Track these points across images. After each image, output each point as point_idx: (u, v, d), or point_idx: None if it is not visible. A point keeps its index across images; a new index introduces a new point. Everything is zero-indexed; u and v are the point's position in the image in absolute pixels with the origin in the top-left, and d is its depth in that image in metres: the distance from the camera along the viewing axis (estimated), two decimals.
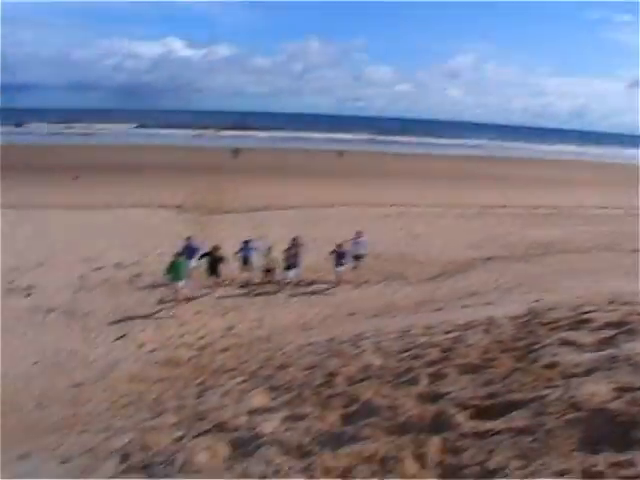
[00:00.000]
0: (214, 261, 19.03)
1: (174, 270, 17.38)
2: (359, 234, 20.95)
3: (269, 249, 20.17)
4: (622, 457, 3.16)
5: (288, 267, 19.63)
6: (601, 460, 3.14)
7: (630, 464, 3.05)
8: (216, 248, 19.37)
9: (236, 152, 65.52)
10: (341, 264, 19.70)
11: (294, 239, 20.59)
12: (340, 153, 72.69)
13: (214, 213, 31.03)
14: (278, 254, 20.01)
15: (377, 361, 8.11)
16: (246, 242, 20.20)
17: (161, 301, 17.66)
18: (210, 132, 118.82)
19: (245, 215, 30.65)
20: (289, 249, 19.97)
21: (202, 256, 19.19)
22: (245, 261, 19.96)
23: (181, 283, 17.50)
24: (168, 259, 20.83)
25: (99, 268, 20.27)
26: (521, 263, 21.88)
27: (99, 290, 18.23)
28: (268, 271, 20.15)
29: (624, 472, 3.00)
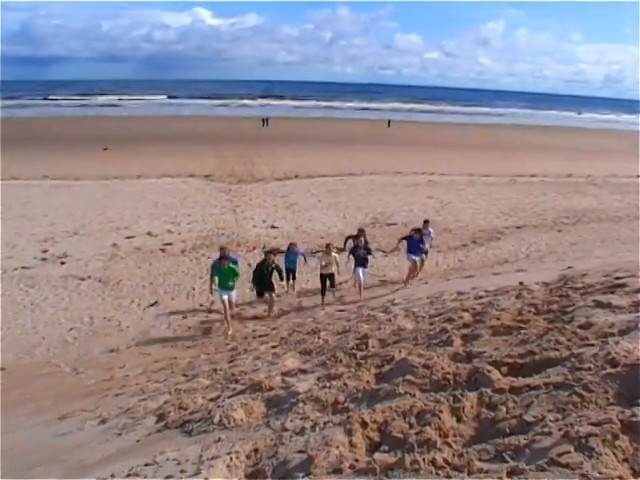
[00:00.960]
0: (266, 274, 14.52)
1: (228, 279, 13.78)
2: (426, 224, 17.32)
3: (328, 248, 15.37)
4: None
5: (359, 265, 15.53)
6: None
7: None
8: (270, 253, 15.18)
9: (265, 121, 65.67)
10: (417, 251, 15.89)
11: (360, 231, 16.50)
12: (388, 122, 72.77)
13: (243, 182, 31.08)
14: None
15: (409, 325, 8.13)
16: (290, 245, 16.15)
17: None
18: (239, 101, 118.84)
19: (274, 183, 30.71)
20: (357, 246, 15.75)
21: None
22: (289, 273, 15.96)
23: (232, 294, 13.94)
24: (199, 227, 21.05)
25: (131, 237, 20.45)
26: (553, 231, 21.66)
27: (131, 258, 18.41)
28: (326, 278, 15.25)
29: None
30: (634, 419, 3.06)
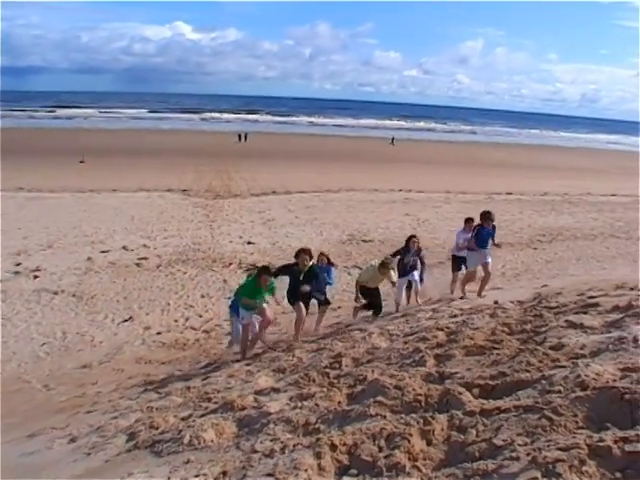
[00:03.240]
0: (296, 284, 11.10)
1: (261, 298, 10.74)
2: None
3: (384, 268, 11.70)
4: (630, 433, 3.18)
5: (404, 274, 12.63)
6: (608, 436, 3.16)
7: (637, 439, 3.07)
8: (304, 252, 11.23)
9: (244, 136, 65.83)
10: (487, 245, 12.44)
11: (411, 237, 13.03)
12: (392, 140, 73.49)
13: (220, 197, 31.02)
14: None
15: (383, 343, 8.15)
16: (321, 257, 12.37)
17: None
18: (218, 116, 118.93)
19: (251, 199, 30.68)
20: (406, 251, 12.68)
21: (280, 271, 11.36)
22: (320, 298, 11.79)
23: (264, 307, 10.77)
24: (175, 242, 20.88)
25: (106, 251, 20.27)
26: (529, 249, 21.78)
27: (106, 273, 18.25)
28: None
29: (631, 447, 3.02)
30: (601, 444, 3.07)
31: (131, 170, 38.54)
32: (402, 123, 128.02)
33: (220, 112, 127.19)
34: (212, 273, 18.10)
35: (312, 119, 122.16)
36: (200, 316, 15.38)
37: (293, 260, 11.46)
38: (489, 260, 12.50)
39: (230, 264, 18.98)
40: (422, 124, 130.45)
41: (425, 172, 43.79)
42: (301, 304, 11.05)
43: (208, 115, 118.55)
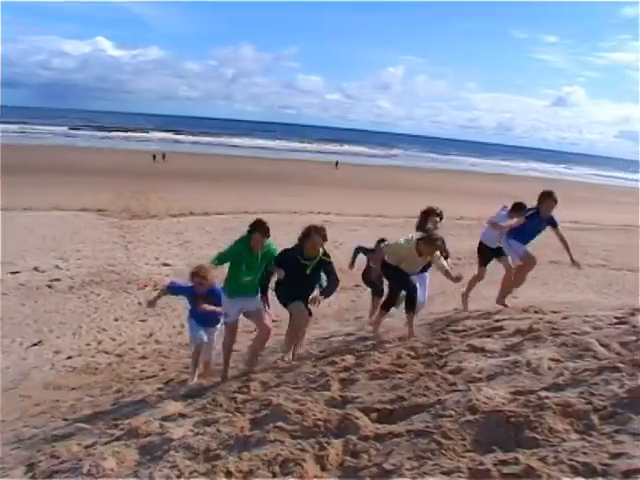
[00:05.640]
0: (303, 276, 8.48)
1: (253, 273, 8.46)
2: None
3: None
4: (509, 455, 3.34)
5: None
6: (488, 459, 3.30)
7: (515, 462, 3.23)
8: (316, 237, 8.53)
9: (162, 156, 65.17)
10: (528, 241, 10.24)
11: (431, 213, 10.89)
12: (336, 163, 74.80)
13: (137, 218, 30.53)
14: None
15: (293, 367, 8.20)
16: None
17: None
18: (138, 134, 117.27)
19: (168, 220, 30.29)
20: None
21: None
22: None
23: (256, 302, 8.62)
24: (89, 263, 20.45)
25: (16, 272, 19.64)
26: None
27: (15, 295, 17.69)
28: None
29: (508, 469, 3.17)
30: (481, 467, 3.22)
31: (46, 188, 37.48)
32: (322, 146, 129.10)
33: (140, 131, 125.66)
34: (126, 295, 17.80)
35: (233, 140, 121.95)
36: (113, 339, 15.09)
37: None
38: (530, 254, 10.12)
39: (145, 286, 18.71)
40: (345, 147, 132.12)
41: (345, 195, 44.22)
42: (302, 306, 8.16)
43: (128, 134, 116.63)
